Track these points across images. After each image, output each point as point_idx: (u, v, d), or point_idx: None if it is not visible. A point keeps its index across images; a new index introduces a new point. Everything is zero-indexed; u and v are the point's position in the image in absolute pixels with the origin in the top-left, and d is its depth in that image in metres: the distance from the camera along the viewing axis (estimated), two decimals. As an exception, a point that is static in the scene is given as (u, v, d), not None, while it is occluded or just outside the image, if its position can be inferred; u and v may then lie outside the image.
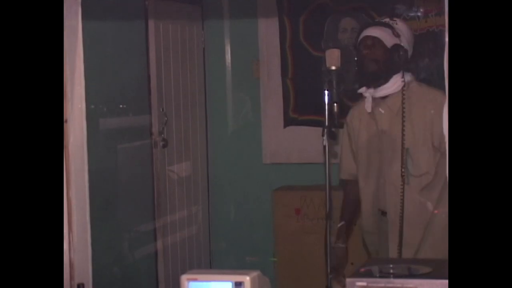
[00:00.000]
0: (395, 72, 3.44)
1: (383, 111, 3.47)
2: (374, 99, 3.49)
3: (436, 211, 3.42)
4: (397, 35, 3.44)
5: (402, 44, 3.44)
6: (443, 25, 2.50)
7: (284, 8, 5.35)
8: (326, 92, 2.85)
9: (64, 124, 2.64)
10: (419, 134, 3.40)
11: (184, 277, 2.31)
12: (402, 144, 3.41)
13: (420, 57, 4.96)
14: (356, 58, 3.52)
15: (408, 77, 3.46)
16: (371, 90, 3.48)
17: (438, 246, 3.32)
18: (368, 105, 3.49)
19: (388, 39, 3.44)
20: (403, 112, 3.41)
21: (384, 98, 3.47)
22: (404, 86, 3.43)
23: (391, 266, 2.23)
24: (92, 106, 3.97)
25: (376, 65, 3.43)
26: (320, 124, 2.92)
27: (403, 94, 3.42)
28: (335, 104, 2.85)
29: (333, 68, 2.86)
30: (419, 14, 4.99)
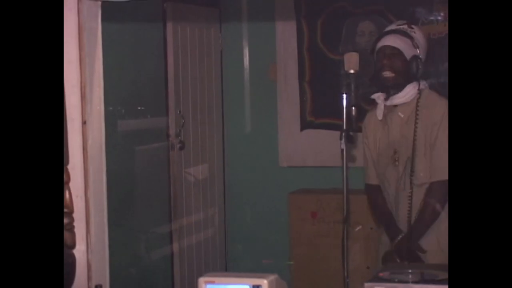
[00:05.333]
0: (411, 81, 3.44)
1: (394, 119, 3.46)
2: (386, 106, 3.48)
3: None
4: (416, 46, 3.44)
5: (420, 56, 3.43)
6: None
7: (302, 11, 5.35)
8: (344, 95, 2.84)
9: (83, 125, 2.65)
10: (421, 143, 3.39)
11: (201, 280, 2.31)
12: (413, 151, 3.39)
13: (439, 61, 4.94)
14: (374, 65, 3.50)
15: (422, 85, 3.45)
16: (383, 98, 3.47)
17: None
18: (379, 113, 3.49)
19: (407, 50, 3.43)
20: (416, 121, 3.39)
21: (396, 105, 3.47)
22: (418, 95, 3.42)
23: (409, 271, 2.22)
24: (111, 108, 3.98)
25: (394, 76, 3.42)
26: (337, 127, 2.91)
27: (417, 104, 3.40)
28: (353, 108, 2.84)
29: (352, 71, 2.85)
30: (438, 18, 4.96)
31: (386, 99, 3.48)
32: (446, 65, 4.93)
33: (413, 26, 3.54)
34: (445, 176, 3.32)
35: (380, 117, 3.49)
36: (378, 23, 5.13)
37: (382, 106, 3.48)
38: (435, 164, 3.37)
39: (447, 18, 4.94)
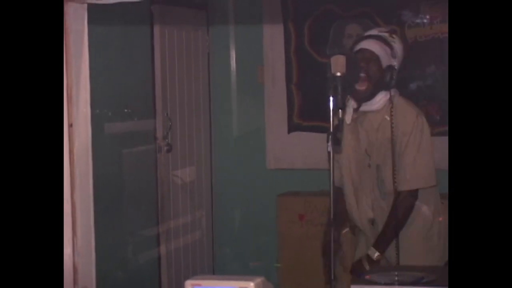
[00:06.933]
0: (382, 90, 3.40)
1: (365, 125, 3.43)
2: (355, 111, 3.41)
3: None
4: (394, 56, 3.40)
5: (395, 67, 3.39)
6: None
7: (289, 14, 5.36)
8: (331, 98, 2.85)
9: (69, 128, 2.63)
10: (388, 152, 3.37)
11: (188, 283, 2.30)
12: (386, 158, 3.38)
13: (425, 63, 4.96)
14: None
15: (393, 92, 3.41)
16: (354, 103, 3.43)
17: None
18: (348, 117, 3.42)
19: (385, 58, 3.40)
20: (392, 128, 3.35)
21: (366, 112, 3.43)
22: (390, 103, 3.37)
23: (396, 273, 2.22)
24: (97, 111, 3.97)
25: (367, 83, 3.36)
26: (324, 130, 2.92)
27: (391, 112, 3.35)
28: (340, 110, 2.85)
29: (338, 74, 2.87)
30: (424, 20, 4.98)
31: (357, 104, 3.43)
32: (432, 68, 4.95)
33: (394, 35, 3.51)
34: (411, 186, 3.33)
35: (348, 121, 3.38)
36: (365, 26, 5.14)
37: (351, 110, 3.40)
38: (403, 174, 3.34)
39: (434, 21, 4.96)
